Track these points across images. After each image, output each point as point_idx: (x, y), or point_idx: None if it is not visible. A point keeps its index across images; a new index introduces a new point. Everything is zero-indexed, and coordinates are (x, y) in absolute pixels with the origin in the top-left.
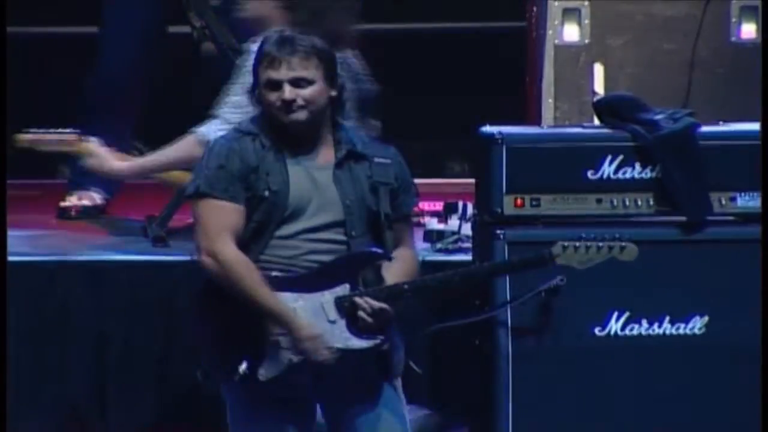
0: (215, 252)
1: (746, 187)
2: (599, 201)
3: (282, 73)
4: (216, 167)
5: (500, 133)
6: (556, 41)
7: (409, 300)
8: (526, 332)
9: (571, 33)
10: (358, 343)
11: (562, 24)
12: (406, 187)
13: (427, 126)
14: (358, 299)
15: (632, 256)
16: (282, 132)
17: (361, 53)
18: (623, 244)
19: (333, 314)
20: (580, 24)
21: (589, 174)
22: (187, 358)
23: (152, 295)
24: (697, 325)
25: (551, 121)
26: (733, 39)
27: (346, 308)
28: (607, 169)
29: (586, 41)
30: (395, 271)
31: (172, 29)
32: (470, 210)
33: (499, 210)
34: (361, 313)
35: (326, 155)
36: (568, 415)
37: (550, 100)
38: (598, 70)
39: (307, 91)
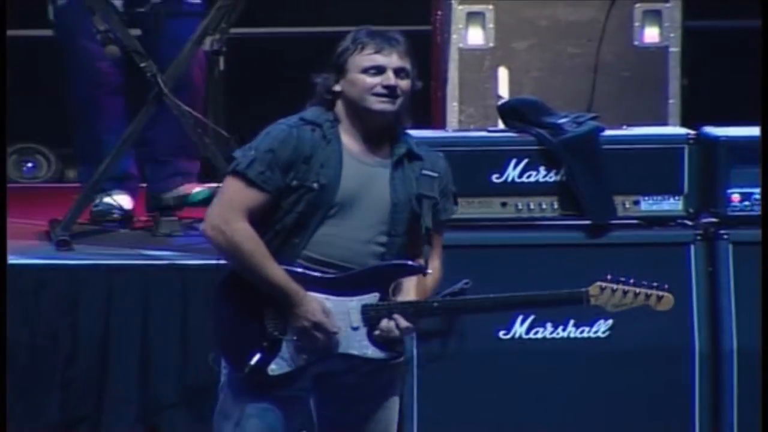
0: (226, 221)
1: (650, 190)
2: (504, 204)
3: (389, 60)
4: (265, 150)
5: None
6: (461, 45)
7: (435, 317)
8: (431, 336)
9: (475, 37)
10: (374, 353)
11: (467, 28)
12: (448, 196)
13: None
14: (381, 311)
15: (668, 306)
16: (353, 123)
17: (265, 57)
18: (660, 293)
19: (357, 321)
20: (484, 28)
21: (494, 177)
22: (91, 360)
23: (57, 298)
24: (601, 328)
25: (456, 124)
26: (636, 43)
27: (370, 317)
28: (512, 172)
29: (491, 45)
30: (423, 283)
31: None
32: None
33: None
34: (385, 325)
35: (385, 152)
36: (473, 418)
37: (455, 104)
38: (503, 73)
39: (405, 83)
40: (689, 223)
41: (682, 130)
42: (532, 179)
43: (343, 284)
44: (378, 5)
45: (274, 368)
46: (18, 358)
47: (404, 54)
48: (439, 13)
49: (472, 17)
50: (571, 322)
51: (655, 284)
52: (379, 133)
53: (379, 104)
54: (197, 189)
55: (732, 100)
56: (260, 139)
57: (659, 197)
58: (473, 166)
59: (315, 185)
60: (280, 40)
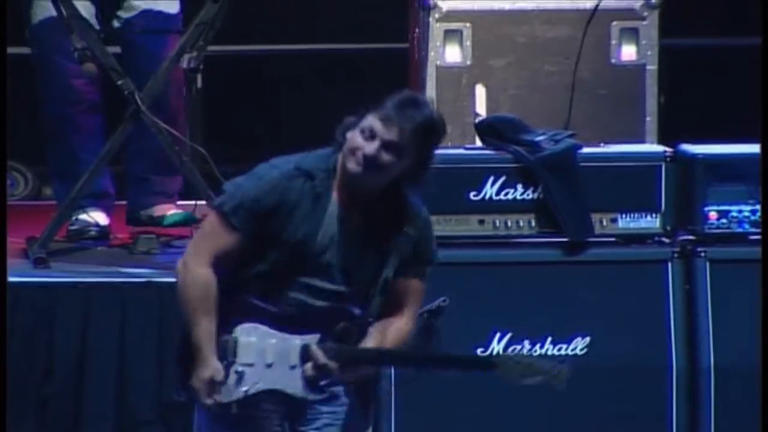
0: (187, 264)
1: (627, 208)
2: (481, 222)
3: (386, 132)
4: (252, 199)
5: None
6: (438, 63)
7: (365, 366)
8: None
9: (453, 54)
10: (301, 392)
11: (444, 45)
12: (424, 254)
13: (311, 147)
14: (311, 349)
15: (563, 380)
16: (343, 186)
17: (246, 74)
18: (557, 370)
19: (295, 359)
20: (462, 45)
21: (472, 195)
22: (68, 378)
23: (34, 315)
24: (579, 345)
25: None
26: (614, 61)
27: (306, 357)
28: (489, 190)
29: (468, 63)
30: (382, 336)
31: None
32: None
33: None
34: (308, 364)
35: (367, 210)
36: None
37: None
38: (480, 91)
39: (391, 158)
40: (666, 240)
41: (660, 148)
42: (509, 197)
43: (294, 322)
44: (356, 23)
45: (217, 397)
46: None
47: (409, 135)
48: (417, 30)
49: (450, 35)
50: (549, 339)
51: (556, 357)
52: (361, 194)
53: (350, 163)
54: (171, 211)
55: (709, 118)
56: (251, 181)
57: (636, 215)
58: (451, 184)
59: (290, 239)
60: (258, 58)
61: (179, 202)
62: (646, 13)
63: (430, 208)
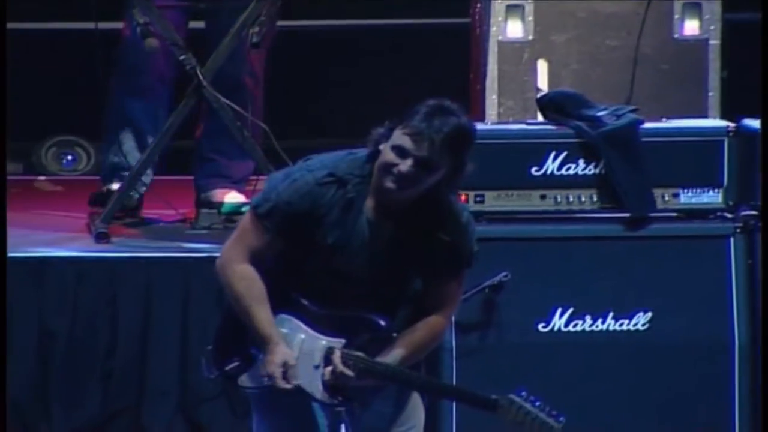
0: (229, 261)
1: (689, 183)
2: (543, 197)
3: (415, 149)
4: (285, 201)
5: None
6: (500, 38)
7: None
8: (470, 328)
9: (514, 29)
10: (319, 395)
11: (506, 21)
12: (460, 257)
13: (370, 123)
14: (333, 354)
15: None
16: (376, 195)
17: (307, 49)
18: (552, 425)
19: (318, 360)
20: (523, 20)
21: (533, 170)
22: (131, 353)
23: (95, 291)
24: (640, 320)
25: (495, 117)
26: (676, 36)
27: (328, 360)
28: (551, 165)
29: (530, 38)
30: (408, 339)
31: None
32: None
33: None
34: (328, 370)
35: (402, 220)
36: None
37: (494, 97)
38: (542, 66)
39: (426, 176)
40: (729, 215)
41: (722, 123)
42: (571, 172)
43: (324, 323)
44: None
45: (243, 380)
46: (57, 350)
47: (439, 146)
48: (479, 6)
49: (511, 10)
50: (611, 314)
51: (554, 414)
52: (396, 207)
53: (386, 182)
54: (228, 199)
55: None
56: (286, 183)
57: (699, 190)
58: (512, 159)
59: (321, 242)
60: (319, 33)
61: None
62: None
63: (492, 183)
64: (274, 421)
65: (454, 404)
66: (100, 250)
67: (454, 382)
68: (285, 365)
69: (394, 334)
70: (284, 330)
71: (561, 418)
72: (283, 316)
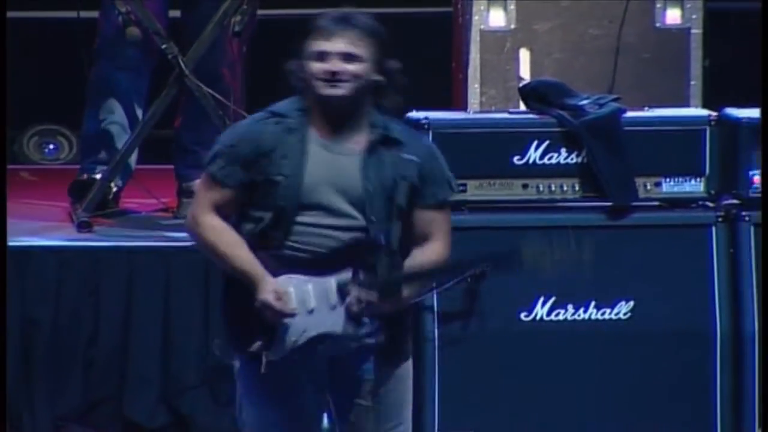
0: (194, 217)
1: (671, 172)
2: (525, 186)
3: (332, 45)
4: (227, 145)
5: (426, 118)
6: (482, 27)
7: (404, 289)
8: (452, 317)
9: (497, 18)
10: (343, 329)
11: (488, 9)
12: (435, 179)
13: None
14: (348, 286)
15: None
16: (318, 111)
17: (288, 38)
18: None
19: (334, 299)
20: (506, 9)
21: (516, 159)
22: (113, 342)
23: (77, 280)
24: (622, 310)
25: (477, 106)
26: (659, 24)
27: (344, 294)
28: (533, 154)
29: (512, 27)
30: (416, 263)
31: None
32: None
33: None
34: (349, 299)
35: (358, 140)
36: (494, 400)
37: (477, 86)
38: (524, 55)
39: (354, 66)
40: (710, 204)
41: (704, 112)
42: (553, 161)
43: (326, 263)
44: None
45: (271, 353)
46: (40, 340)
47: (356, 39)
48: None
49: None
50: (592, 303)
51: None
52: (347, 119)
53: (324, 89)
54: None
55: (754, 82)
56: (226, 133)
57: (681, 179)
58: (494, 148)
59: (278, 178)
60: (299, 21)
61: None
62: None
63: (474, 172)
64: (269, 407)
65: (436, 395)
66: (83, 240)
67: (436, 372)
68: (276, 291)
69: (393, 247)
70: (290, 289)
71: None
72: (283, 277)
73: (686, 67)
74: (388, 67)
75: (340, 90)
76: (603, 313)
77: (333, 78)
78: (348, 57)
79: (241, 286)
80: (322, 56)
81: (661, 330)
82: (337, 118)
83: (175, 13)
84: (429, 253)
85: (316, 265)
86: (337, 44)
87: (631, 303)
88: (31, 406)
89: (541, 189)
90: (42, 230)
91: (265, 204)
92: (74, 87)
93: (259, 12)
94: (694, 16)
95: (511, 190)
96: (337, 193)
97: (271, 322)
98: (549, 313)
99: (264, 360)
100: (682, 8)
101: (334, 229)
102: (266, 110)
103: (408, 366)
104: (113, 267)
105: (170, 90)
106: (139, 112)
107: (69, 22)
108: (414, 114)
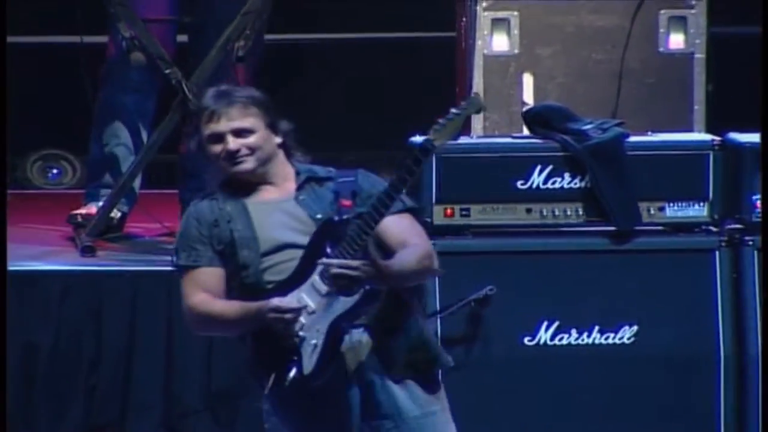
0: (186, 306)
1: (675, 197)
2: (529, 211)
3: (222, 125)
4: (179, 236)
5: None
6: (486, 51)
7: (369, 239)
8: (456, 342)
9: (500, 43)
10: (344, 305)
11: (492, 34)
12: (382, 196)
13: (357, 136)
14: (325, 264)
15: (478, 106)
16: (236, 182)
17: (293, 63)
18: (469, 101)
19: (323, 287)
20: (509, 34)
21: (519, 184)
22: (115, 367)
23: (80, 305)
24: (626, 334)
25: (481, 131)
26: (662, 49)
27: (327, 273)
28: (537, 179)
29: (516, 51)
30: (400, 253)
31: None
32: None
33: (429, 220)
34: (332, 272)
35: (288, 189)
36: (497, 425)
37: None
38: (528, 80)
39: (251, 140)
40: (714, 229)
41: (707, 137)
42: (557, 185)
43: (303, 272)
44: (402, 12)
45: (307, 367)
46: (42, 364)
47: (243, 112)
48: (464, 19)
49: (497, 23)
50: (596, 328)
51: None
52: (267, 180)
53: (230, 168)
54: None
55: (757, 107)
56: (180, 224)
57: (684, 203)
58: (498, 172)
59: (233, 235)
60: (302, 47)
61: None
62: (694, 2)
63: (477, 196)
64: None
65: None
66: (86, 264)
67: None
68: (278, 299)
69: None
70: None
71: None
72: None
73: (689, 91)
74: (282, 129)
75: (246, 165)
76: (607, 338)
77: (234, 157)
78: (240, 132)
79: (256, 338)
80: (216, 138)
81: (665, 354)
82: (257, 183)
83: (183, 38)
84: (410, 247)
85: (296, 280)
86: (227, 123)
87: (635, 327)
88: (33, 431)
89: (544, 213)
90: (45, 255)
91: (237, 263)
92: (78, 112)
93: (267, 37)
94: (697, 41)
95: (515, 214)
96: (293, 229)
97: (287, 334)
98: (552, 338)
99: (292, 374)
100: (686, 33)
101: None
102: (195, 198)
103: (438, 398)
104: (116, 291)
105: (174, 115)
106: (145, 135)
107: (73, 47)
108: (417, 139)
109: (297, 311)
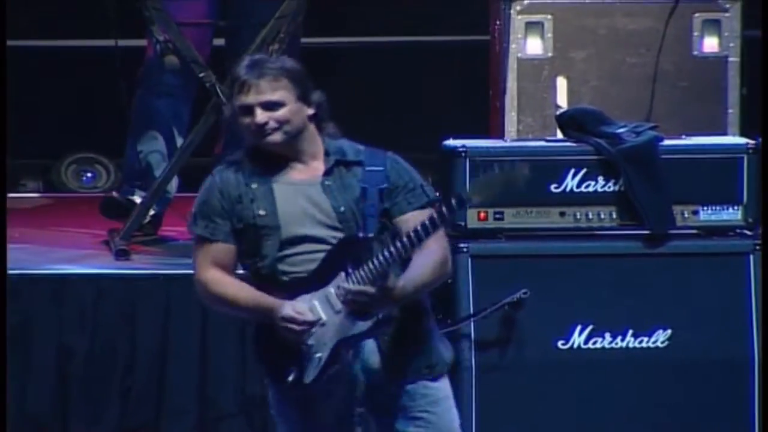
0: (198, 279)
1: (708, 200)
2: (562, 214)
3: (251, 97)
4: (200, 203)
5: (464, 146)
6: (519, 55)
7: (394, 269)
8: (489, 345)
9: (534, 46)
10: (354, 328)
11: (525, 37)
12: (406, 184)
13: (391, 139)
14: (343, 286)
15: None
16: (264, 155)
17: (326, 67)
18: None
19: (337, 304)
20: (543, 37)
21: (553, 187)
22: (150, 370)
23: (114, 308)
24: (660, 338)
25: (514, 134)
26: (696, 53)
27: (344, 296)
28: (570, 182)
29: (549, 54)
30: (416, 264)
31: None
32: None
33: (463, 223)
34: (348, 297)
35: (316, 169)
36: (531, 428)
37: (513, 114)
38: (561, 83)
39: (279, 113)
40: (748, 232)
41: (742, 140)
42: (590, 189)
43: (322, 277)
44: (436, 15)
45: (307, 376)
46: (77, 367)
47: (273, 85)
48: (498, 23)
49: (531, 27)
50: (630, 331)
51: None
52: (295, 155)
53: (260, 141)
54: None
55: None
56: (200, 192)
57: (718, 207)
58: (532, 176)
59: (256, 220)
60: (337, 50)
61: None
62: (728, 5)
63: (511, 200)
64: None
65: (473, 423)
66: (120, 268)
67: (474, 400)
68: (294, 306)
69: (371, 236)
70: (305, 305)
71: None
72: (287, 302)
73: (723, 95)
74: (314, 100)
75: (274, 137)
76: (640, 342)
77: (262, 130)
78: (270, 105)
79: (264, 326)
80: (246, 110)
81: (699, 358)
82: (286, 156)
83: (219, 42)
84: (425, 254)
85: (312, 282)
86: (256, 96)
87: (669, 331)
88: None
89: (578, 217)
90: (79, 258)
91: (254, 248)
92: (113, 116)
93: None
94: (731, 44)
95: (549, 218)
96: (314, 221)
97: (295, 342)
98: (586, 342)
99: (291, 378)
100: (720, 36)
101: (321, 253)
102: (223, 161)
103: (441, 386)
104: (150, 295)
105: (208, 118)
106: (179, 139)
107: (108, 51)
108: (451, 142)
109: (310, 325)
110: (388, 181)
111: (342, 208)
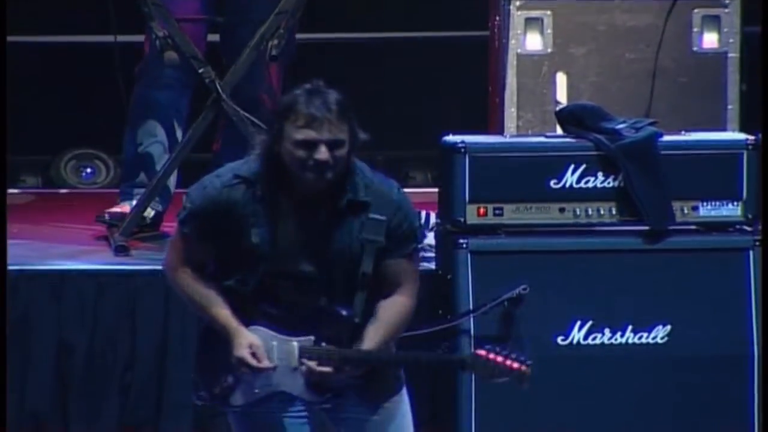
0: (172, 268)
1: (708, 196)
2: (562, 210)
3: (320, 135)
4: (199, 207)
5: (463, 142)
6: (519, 50)
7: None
8: (489, 341)
9: (533, 42)
10: (305, 395)
11: (525, 33)
12: (402, 234)
13: (389, 135)
14: (306, 357)
15: (526, 380)
16: (291, 182)
17: (325, 62)
18: (523, 370)
19: (294, 362)
20: (542, 33)
21: (552, 183)
22: (150, 366)
23: (114, 304)
24: (659, 334)
25: (514, 130)
26: (695, 48)
27: (305, 360)
28: (570, 178)
29: (549, 50)
30: (377, 324)
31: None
32: (433, 219)
33: (462, 219)
34: (305, 369)
35: (326, 204)
36: (530, 424)
37: (513, 110)
38: (561, 79)
39: (339, 153)
40: (748, 228)
41: (741, 136)
42: (590, 185)
43: (290, 324)
44: (436, 11)
45: (235, 398)
46: (77, 363)
47: (340, 123)
48: (498, 18)
49: (531, 23)
50: (629, 327)
51: (522, 359)
52: (322, 194)
53: (308, 176)
54: None
55: None
56: (198, 191)
57: (718, 203)
58: (531, 172)
59: (250, 246)
60: (335, 46)
61: None
62: (727, 1)
63: (510, 196)
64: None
65: (473, 419)
66: (120, 263)
67: (473, 396)
68: (252, 346)
69: (356, 320)
70: (261, 343)
71: (528, 362)
72: (254, 327)
73: (723, 91)
74: (361, 140)
75: (326, 176)
76: (640, 337)
77: (321, 167)
78: (335, 144)
79: (214, 334)
80: (307, 144)
81: (699, 354)
82: (314, 194)
83: (214, 37)
84: (394, 306)
85: (282, 322)
86: (325, 133)
87: (668, 327)
88: (67, 430)
89: (577, 213)
90: (79, 254)
91: (238, 269)
92: (112, 111)
93: (299, 36)
94: (731, 40)
95: (548, 213)
96: (307, 258)
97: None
98: (586, 337)
99: (217, 391)
100: (719, 32)
101: (302, 292)
102: (232, 172)
103: (398, 402)
104: (150, 291)
105: (207, 114)
106: (179, 132)
107: (107, 46)
108: (450, 138)
109: (262, 371)
110: (387, 230)
111: (336, 254)
